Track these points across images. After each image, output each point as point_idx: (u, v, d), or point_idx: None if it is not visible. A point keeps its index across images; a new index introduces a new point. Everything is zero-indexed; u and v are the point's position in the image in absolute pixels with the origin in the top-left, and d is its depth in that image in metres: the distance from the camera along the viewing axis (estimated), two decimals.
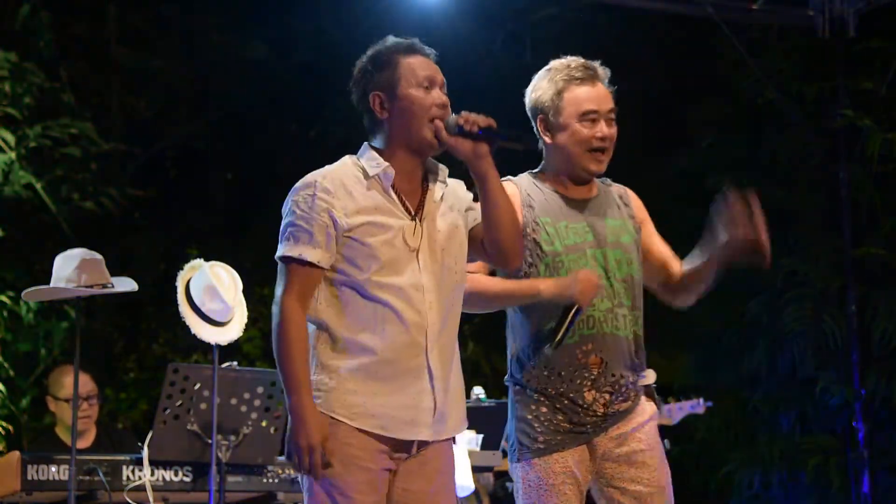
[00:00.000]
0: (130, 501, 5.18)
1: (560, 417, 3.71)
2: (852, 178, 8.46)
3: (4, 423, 7.14)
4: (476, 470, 5.35)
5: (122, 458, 5.33)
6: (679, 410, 7.40)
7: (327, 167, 3.50)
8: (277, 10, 9.28)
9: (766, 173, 8.87)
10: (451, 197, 3.54)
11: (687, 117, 9.16)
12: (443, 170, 3.54)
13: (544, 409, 3.72)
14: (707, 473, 9.06)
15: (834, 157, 8.54)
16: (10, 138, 7.50)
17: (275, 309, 3.38)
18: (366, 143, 3.53)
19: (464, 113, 3.43)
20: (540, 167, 3.94)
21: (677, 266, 4.00)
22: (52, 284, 5.18)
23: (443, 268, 3.45)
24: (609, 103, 3.88)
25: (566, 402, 3.71)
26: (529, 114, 3.94)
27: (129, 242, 8.87)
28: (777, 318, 8.69)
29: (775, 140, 8.85)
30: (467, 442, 5.33)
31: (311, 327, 3.41)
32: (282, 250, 3.41)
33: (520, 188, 3.84)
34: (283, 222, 3.43)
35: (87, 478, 5.23)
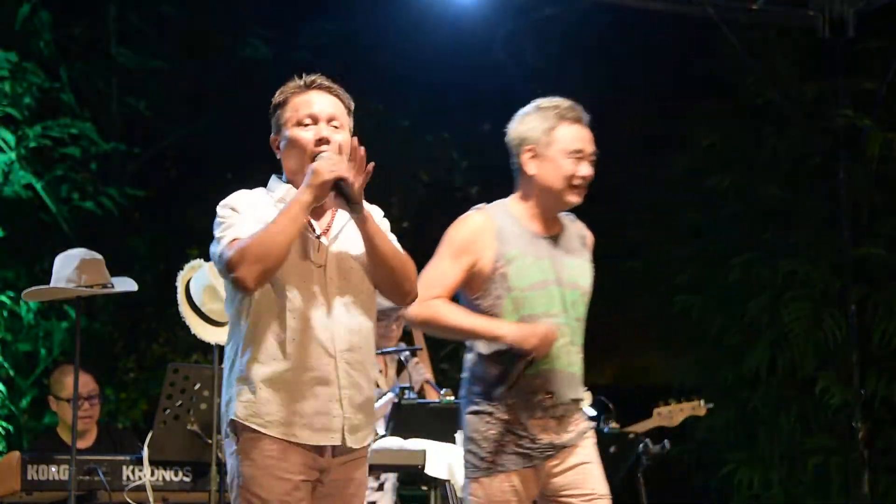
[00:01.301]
0: (130, 501, 5.18)
1: (508, 440, 3.94)
2: (852, 178, 8.46)
3: (4, 423, 7.14)
4: None
5: (122, 458, 5.33)
6: (679, 412, 7.41)
7: (242, 190, 3.63)
8: (277, 10, 9.28)
9: (766, 173, 8.87)
10: None
11: (687, 117, 9.16)
12: None
13: (493, 432, 3.95)
14: (707, 473, 9.06)
15: (834, 157, 8.53)
16: (11, 138, 7.50)
17: (235, 271, 3.43)
18: (274, 175, 3.67)
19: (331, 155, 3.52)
20: (514, 196, 4.13)
21: None
22: (52, 284, 5.18)
23: (349, 286, 3.60)
24: (592, 146, 4.10)
25: (517, 427, 3.95)
26: (513, 144, 4.12)
27: (129, 242, 8.86)
28: (777, 318, 8.69)
29: (775, 140, 8.85)
30: None
31: (231, 341, 3.57)
32: (230, 236, 3.49)
33: (494, 222, 4.05)
34: (217, 228, 3.54)
35: (87, 478, 5.23)
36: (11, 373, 7.38)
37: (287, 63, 9.26)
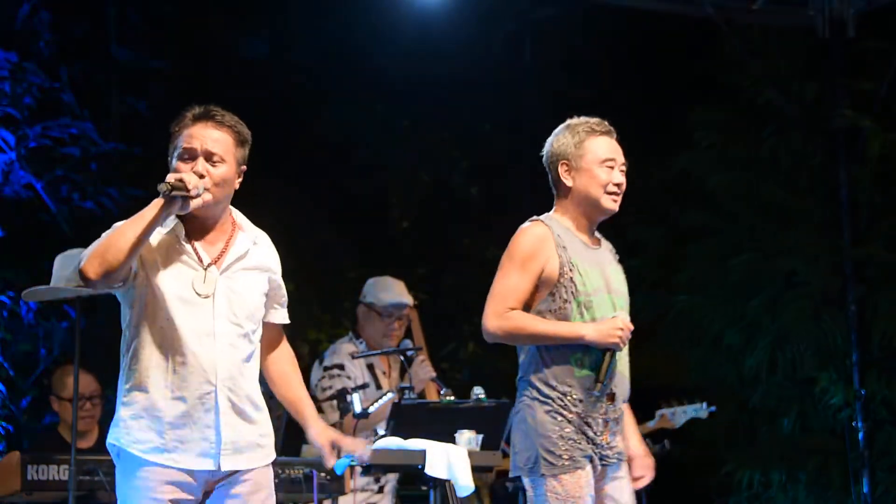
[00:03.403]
0: None
1: (579, 437, 4.15)
2: (852, 178, 8.46)
3: (4, 423, 7.13)
4: (476, 470, 5.35)
5: None
6: (682, 414, 7.43)
7: None
8: (277, 10, 9.28)
9: (766, 173, 8.87)
10: (259, 257, 3.87)
11: (687, 117, 9.16)
12: (254, 231, 3.90)
13: (568, 430, 4.14)
14: (707, 473, 9.06)
15: (834, 157, 8.54)
16: (11, 138, 7.50)
17: (80, 265, 3.69)
18: None
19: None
20: (556, 211, 4.34)
21: None
22: (52, 284, 5.18)
23: (237, 318, 3.76)
24: (622, 156, 4.34)
25: (585, 427, 4.15)
26: (549, 161, 4.35)
27: None
28: (777, 318, 8.69)
29: (775, 140, 8.85)
30: (467, 442, 5.33)
31: (121, 365, 3.80)
32: None
33: (552, 230, 4.24)
34: None
35: (87, 478, 5.23)
36: (11, 373, 7.38)
37: (287, 63, 9.27)
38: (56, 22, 8.03)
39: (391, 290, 6.58)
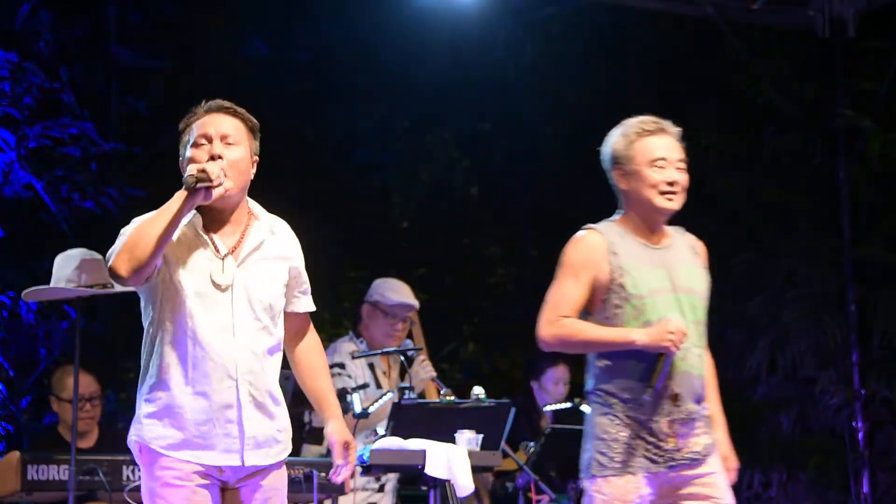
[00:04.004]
0: (130, 501, 5.19)
1: (637, 443, 4.11)
2: (852, 178, 8.46)
3: (4, 423, 7.14)
4: (476, 470, 5.36)
5: (122, 458, 5.33)
6: None
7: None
8: (277, 10, 9.29)
9: (766, 173, 8.87)
10: (276, 246, 3.84)
11: (687, 117, 9.15)
12: (271, 220, 3.88)
13: (624, 434, 4.11)
14: None
15: (834, 157, 8.54)
16: (11, 138, 7.50)
17: (109, 262, 3.65)
18: None
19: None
20: (618, 214, 4.30)
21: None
22: (52, 284, 5.19)
23: (256, 310, 3.73)
24: (678, 153, 4.41)
25: (644, 431, 4.11)
26: (607, 167, 4.32)
27: None
28: (777, 318, 8.69)
29: (775, 140, 8.85)
30: (467, 442, 5.33)
31: (142, 358, 3.72)
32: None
33: (605, 238, 4.21)
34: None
35: (87, 478, 5.24)
36: (11, 373, 7.38)
37: (287, 63, 9.27)
38: (56, 22, 8.04)
39: (398, 291, 6.60)
